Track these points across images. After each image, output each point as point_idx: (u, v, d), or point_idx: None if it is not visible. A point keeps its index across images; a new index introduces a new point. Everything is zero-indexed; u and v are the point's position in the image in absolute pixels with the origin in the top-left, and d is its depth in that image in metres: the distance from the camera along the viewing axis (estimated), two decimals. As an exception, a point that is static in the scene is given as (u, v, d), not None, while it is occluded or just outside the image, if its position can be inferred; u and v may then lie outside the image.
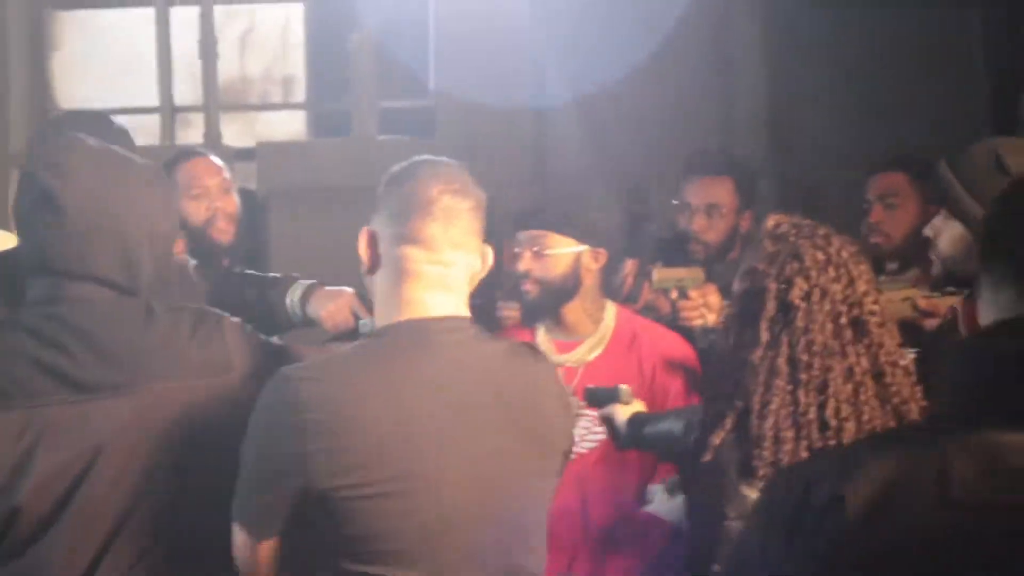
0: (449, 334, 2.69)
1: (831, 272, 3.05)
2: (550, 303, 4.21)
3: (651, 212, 5.76)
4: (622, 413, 3.65)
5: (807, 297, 3.03)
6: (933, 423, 2.22)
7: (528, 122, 7.35)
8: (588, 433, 4.13)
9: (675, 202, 4.89)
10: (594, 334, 4.21)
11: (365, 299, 3.75)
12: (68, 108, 7.88)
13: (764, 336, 3.05)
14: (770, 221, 3.15)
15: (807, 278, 3.04)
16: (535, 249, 4.20)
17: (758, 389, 3.02)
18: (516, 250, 4.24)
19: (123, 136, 3.55)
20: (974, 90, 6.86)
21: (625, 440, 3.64)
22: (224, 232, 4.69)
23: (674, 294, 4.17)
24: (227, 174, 4.85)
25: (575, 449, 4.08)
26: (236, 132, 7.81)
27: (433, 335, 2.68)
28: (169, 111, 7.65)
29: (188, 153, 4.99)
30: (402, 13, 7.51)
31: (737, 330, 3.10)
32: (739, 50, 7.19)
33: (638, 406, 3.68)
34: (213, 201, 4.72)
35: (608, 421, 3.70)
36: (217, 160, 4.89)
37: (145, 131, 7.79)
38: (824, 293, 3.03)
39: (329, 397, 2.58)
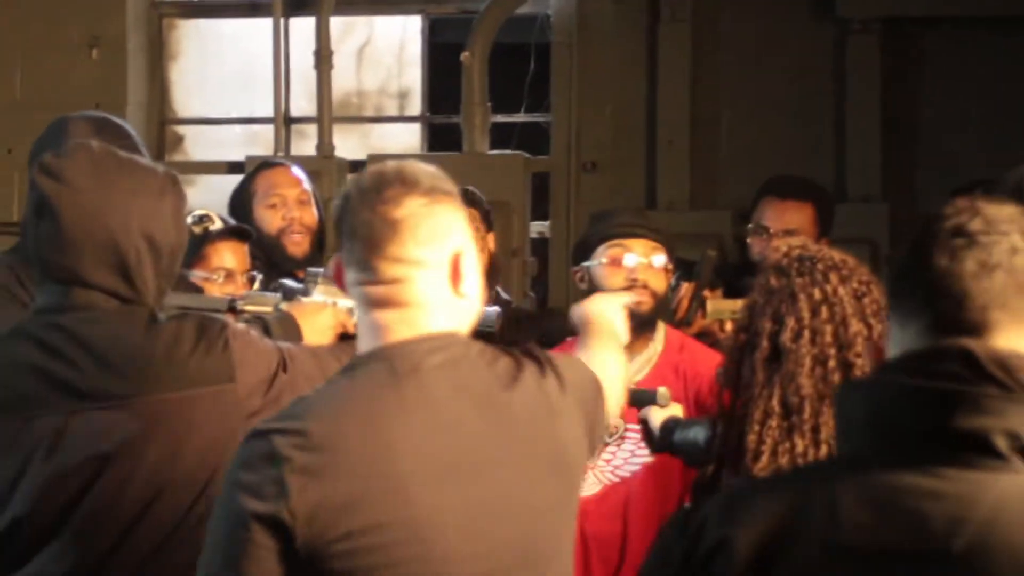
0: (434, 355, 2.39)
1: (824, 313, 2.95)
2: (654, 319, 4.11)
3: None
4: (657, 416, 3.56)
5: (796, 338, 2.94)
6: (828, 463, 2.15)
7: (642, 142, 7.29)
8: (632, 456, 4.03)
9: (750, 225, 4.77)
10: (642, 354, 4.08)
11: None
12: (178, 117, 7.94)
13: (759, 376, 2.96)
14: (779, 251, 3.06)
15: (799, 319, 2.95)
16: (648, 259, 4.07)
17: (753, 428, 2.94)
18: (605, 259, 4.09)
19: (128, 139, 3.45)
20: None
21: (657, 444, 3.56)
22: (298, 244, 4.64)
23: (729, 325, 4.05)
24: (308, 186, 4.78)
25: (618, 473, 3.99)
26: (352, 145, 7.80)
27: (418, 359, 2.38)
28: (283, 122, 7.66)
29: (269, 163, 4.96)
30: (519, 30, 7.48)
31: (736, 366, 3.03)
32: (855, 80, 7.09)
33: (675, 410, 3.58)
34: (290, 211, 4.66)
35: (644, 423, 3.62)
36: (298, 172, 4.83)
37: (260, 141, 7.83)
38: (815, 335, 2.94)
39: (312, 447, 2.30)
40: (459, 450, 2.37)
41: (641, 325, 4.04)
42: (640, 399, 3.64)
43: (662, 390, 3.60)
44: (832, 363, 2.92)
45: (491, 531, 2.38)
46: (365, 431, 2.33)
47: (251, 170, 4.88)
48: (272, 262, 4.52)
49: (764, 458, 2.91)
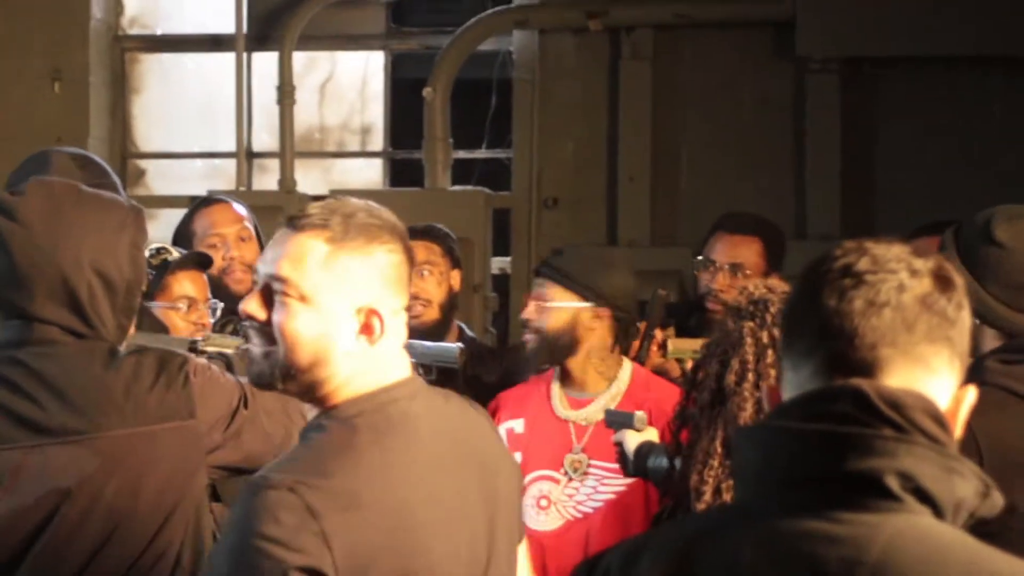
0: (414, 401, 2.45)
1: (770, 357, 2.95)
2: (545, 356, 4.17)
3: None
4: (633, 440, 3.57)
5: (740, 381, 2.95)
6: (726, 509, 2.14)
7: (603, 178, 7.31)
8: (595, 492, 4.04)
9: (699, 258, 4.80)
10: (607, 392, 4.12)
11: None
12: (140, 151, 7.93)
13: (703, 417, 2.98)
14: (744, 293, 3.07)
15: (743, 362, 2.96)
16: (539, 300, 4.15)
17: (696, 468, 2.95)
18: (526, 297, 4.23)
19: (106, 177, 3.43)
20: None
21: (631, 468, 3.57)
22: (240, 282, 4.56)
23: (689, 364, 4.08)
24: (249, 222, 4.72)
25: (581, 508, 4.02)
26: (314, 180, 7.80)
27: (404, 406, 2.43)
28: (245, 156, 7.65)
29: (207, 200, 4.91)
30: (481, 67, 7.50)
31: (693, 404, 3.04)
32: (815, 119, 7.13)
33: (651, 434, 3.60)
34: (229, 250, 4.61)
35: (619, 446, 3.63)
36: (239, 207, 4.77)
37: (221, 176, 7.82)
38: (759, 378, 2.94)
39: (342, 500, 2.30)
40: (450, 497, 2.44)
41: (533, 361, 4.20)
42: (617, 421, 3.66)
43: (639, 414, 3.63)
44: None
45: (477, 571, 2.46)
46: (383, 484, 2.36)
47: (190, 208, 4.81)
48: (219, 300, 4.45)
49: (707, 497, 2.92)
